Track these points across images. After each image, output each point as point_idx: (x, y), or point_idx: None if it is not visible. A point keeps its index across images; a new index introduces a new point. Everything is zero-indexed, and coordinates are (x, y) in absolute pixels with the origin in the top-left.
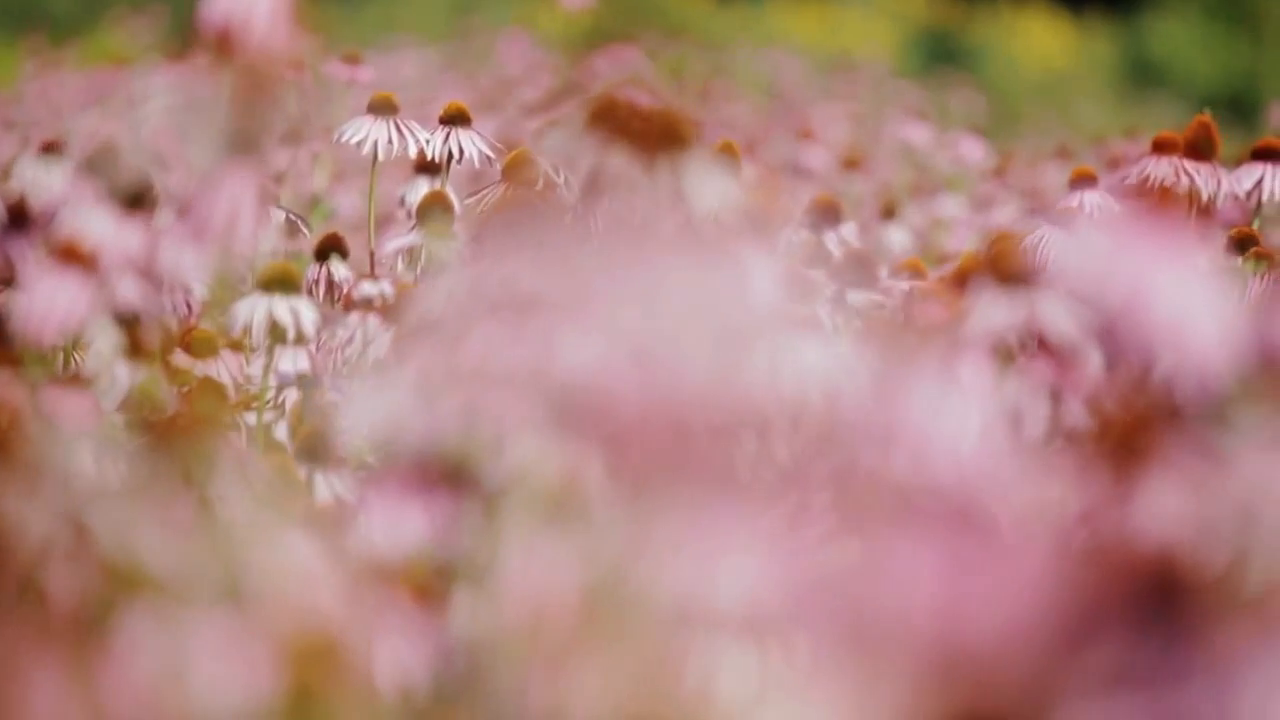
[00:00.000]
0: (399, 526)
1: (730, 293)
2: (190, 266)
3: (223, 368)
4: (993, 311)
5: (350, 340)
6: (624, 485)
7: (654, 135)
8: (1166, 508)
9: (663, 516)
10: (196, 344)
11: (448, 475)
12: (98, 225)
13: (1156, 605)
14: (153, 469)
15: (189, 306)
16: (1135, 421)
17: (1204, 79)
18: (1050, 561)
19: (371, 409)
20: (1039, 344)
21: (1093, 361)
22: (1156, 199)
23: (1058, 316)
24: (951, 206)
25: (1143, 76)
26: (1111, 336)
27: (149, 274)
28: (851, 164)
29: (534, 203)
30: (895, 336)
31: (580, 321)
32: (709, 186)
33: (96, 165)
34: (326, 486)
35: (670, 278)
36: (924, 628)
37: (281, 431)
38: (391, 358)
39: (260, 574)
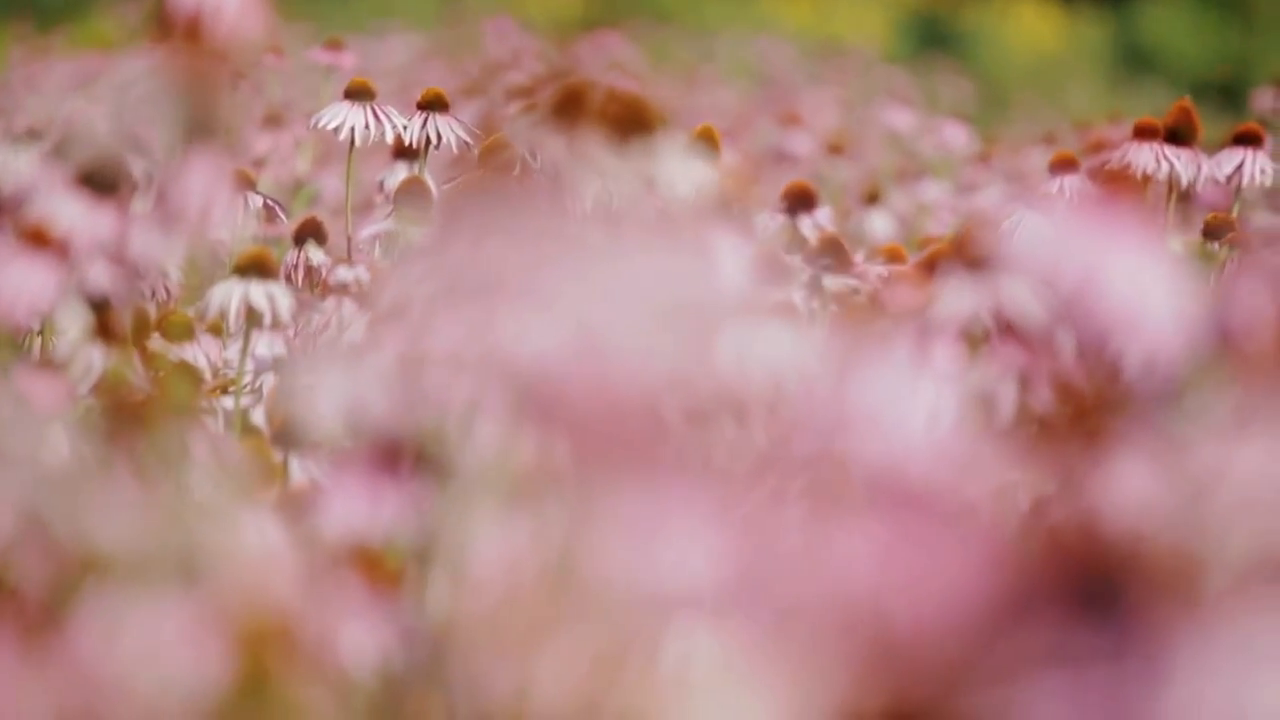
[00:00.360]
0: (362, 510)
1: (693, 278)
2: (161, 252)
3: (199, 352)
4: (958, 296)
5: (326, 325)
6: (579, 469)
7: (622, 120)
8: (1117, 491)
9: (614, 501)
10: (171, 328)
11: (410, 459)
12: (68, 210)
13: (1104, 588)
14: (110, 452)
15: (167, 291)
16: (1088, 406)
17: (1195, 64)
18: (994, 545)
19: (334, 392)
20: (1006, 329)
21: (1058, 346)
22: (1116, 184)
23: (1022, 301)
24: (935, 191)
25: (1134, 62)
26: (1068, 322)
27: (120, 259)
28: (836, 149)
29: (498, 187)
30: (859, 321)
31: (539, 306)
32: (678, 171)
33: (68, 149)
34: (302, 470)
35: (634, 262)
36: (859, 612)
37: (259, 416)
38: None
39: (215, 556)
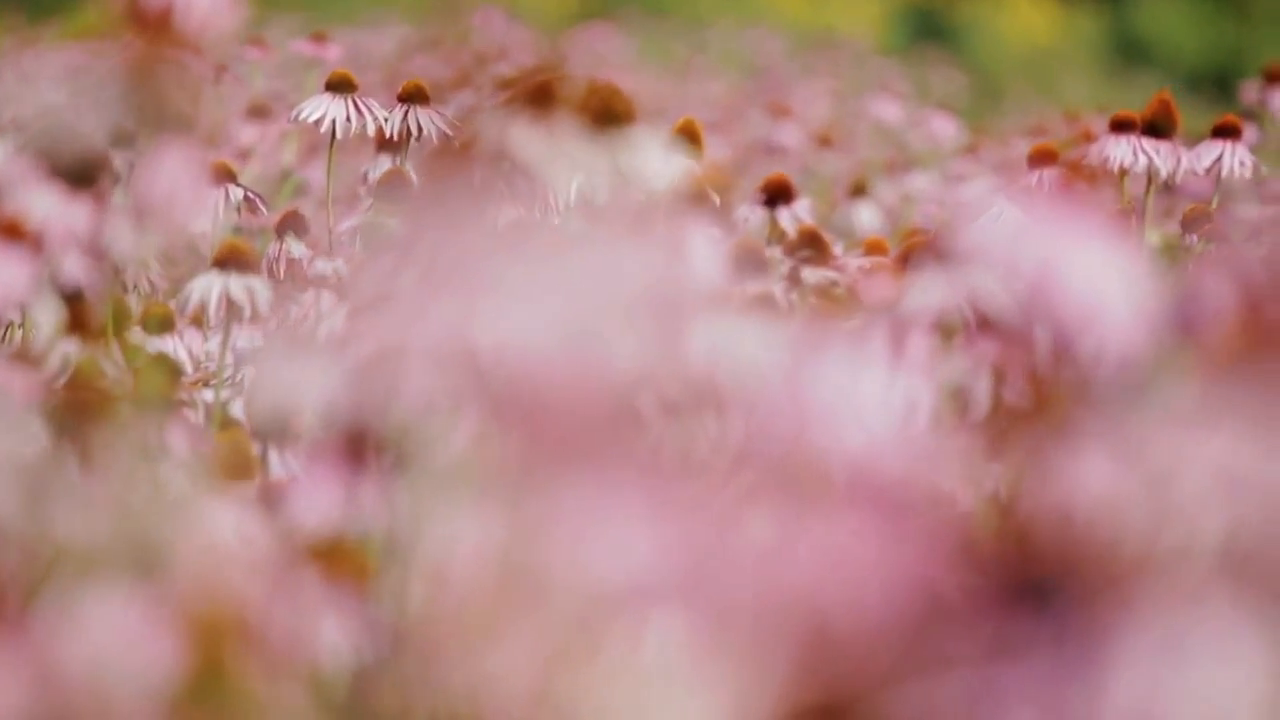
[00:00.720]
0: (330, 502)
1: (662, 270)
2: (134, 244)
3: (179, 345)
4: (927, 289)
5: (305, 317)
6: (534, 461)
7: (597, 111)
8: (1074, 483)
9: (564, 493)
10: (151, 321)
11: (376, 451)
12: (42, 202)
13: (1055, 581)
14: (69, 444)
15: (151, 284)
16: (1048, 398)
17: (1190, 57)
18: (943, 539)
19: (302, 385)
20: (975, 321)
21: (1022, 339)
22: (1079, 176)
23: (986, 294)
24: (922, 182)
25: (1129, 54)
26: (1029, 315)
27: (94, 251)
28: (826, 141)
29: (464, 179)
30: (830, 313)
31: (504, 299)
32: (653, 163)
33: (42, 141)
34: (281, 463)
35: (602, 255)
36: (798, 606)
37: (239, 409)
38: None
39: (173, 549)
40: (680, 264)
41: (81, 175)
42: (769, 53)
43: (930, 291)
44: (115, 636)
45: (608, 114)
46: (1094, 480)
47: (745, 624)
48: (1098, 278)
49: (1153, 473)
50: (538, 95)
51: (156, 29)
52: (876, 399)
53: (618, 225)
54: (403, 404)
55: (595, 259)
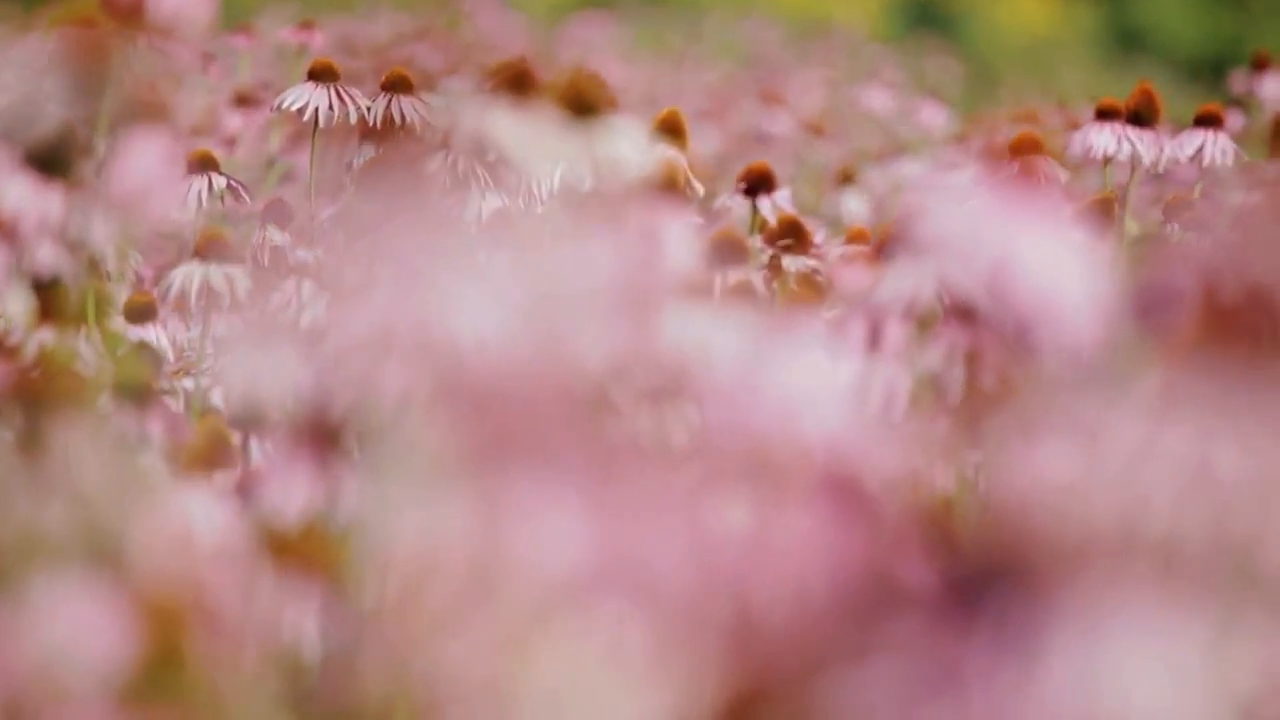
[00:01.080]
0: (295, 490)
1: (619, 260)
2: (107, 233)
3: (160, 333)
4: (899, 278)
5: (285, 306)
6: (483, 452)
7: (572, 100)
8: (1024, 472)
9: (503, 483)
10: (133, 309)
11: (338, 440)
12: (15, 190)
13: (1003, 570)
14: (36, 431)
15: (137, 275)
16: (1006, 387)
17: (1189, 46)
18: (886, 528)
19: (267, 373)
20: (948, 311)
21: (983, 329)
22: (1026, 167)
23: (948, 284)
24: (913, 170)
25: (1128, 43)
26: (987, 305)
27: (68, 239)
28: (817, 130)
29: (411, 168)
30: (794, 303)
31: (454, 289)
32: (624, 151)
33: (13, 128)
34: (260, 451)
35: (567, 244)
36: (725, 596)
37: (218, 397)
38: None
39: (130, 536)
40: (645, 253)
41: (54, 163)
42: (765, 42)
43: (902, 281)
44: (70, 624)
45: (584, 102)
46: (1045, 468)
47: (679, 613)
48: (1052, 268)
49: (1104, 461)
50: (516, 83)
51: (130, 17)
52: (832, 388)
53: (586, 213)
54: (363, 394)
55: (558, 248)
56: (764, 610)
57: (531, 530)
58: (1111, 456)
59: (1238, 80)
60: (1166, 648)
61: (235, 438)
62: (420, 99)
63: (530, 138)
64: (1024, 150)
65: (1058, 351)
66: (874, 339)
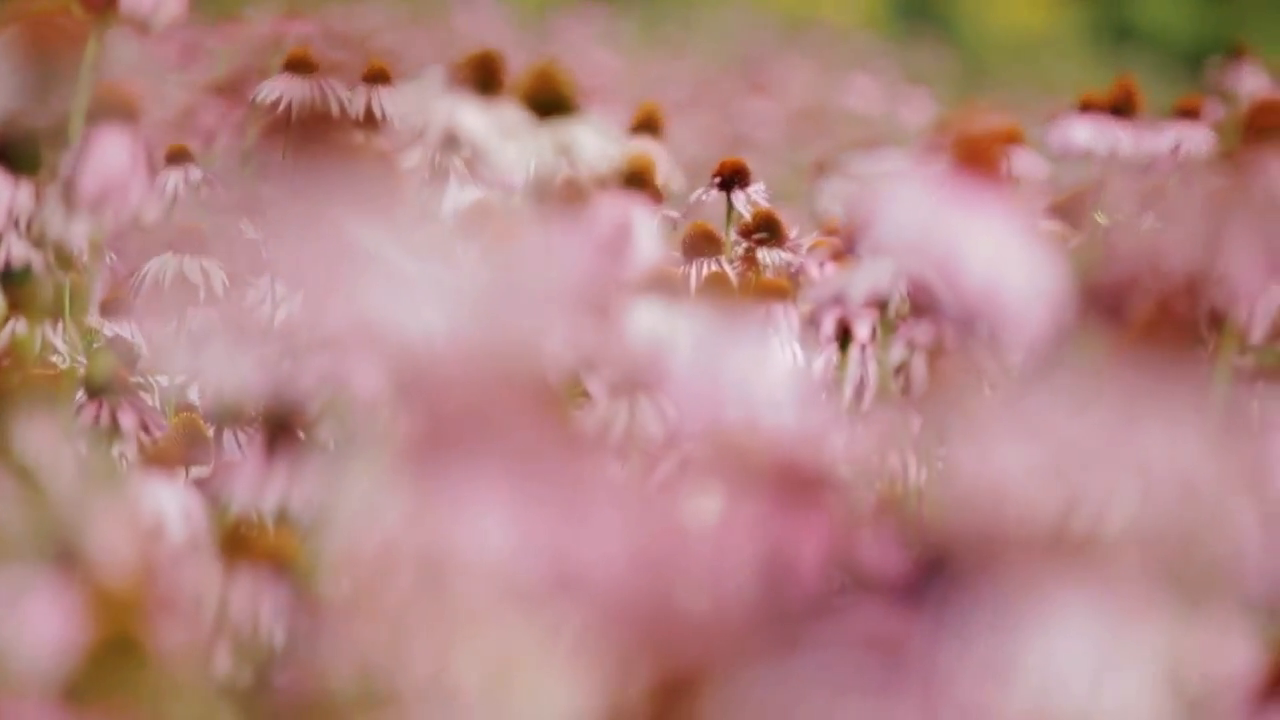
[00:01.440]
0: (258, 483)
1: (573, 253)
2: (77, 227)
3: (135, 327)
4: (864, 272)
5: (260, 299)
6: (423, 445)
7: (539, 93)
8: (969, 464)
9: (445, 478)
10: (108, 303)
11: (296, 434)
12: None
13: (945, 561)
14: None
15: (112, 268)
16: (955, 380)
17: (1183, 41)
18: (828, 519)
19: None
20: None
21: (936, 322)
22: (987, 158)
23: (910, 278)
24: (892, 163)
25: (1120, 38)
26: (937, 298)
27: (36, 233)
28: (802, 123)
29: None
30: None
31: (397, 281)
32: (590, 144)
33: None
34: (235, 444)
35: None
36: (650, 588)
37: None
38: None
39: (87, 530)
40: (607, 246)
41: (23, 156)
42: (755, 35)
43: (864, 275)
44: (21, 616)
45: (550, 97)
46: (988, 460)
47: (609, 604)
48: (999, 261)
49: (1048, 453)
50: (483, 77)
51: (102, 9)
52: (790, 380)
53: (548, 207)
54: (314, 387)
55: (517, 241)
56: (693, 601)
57: (464, 524)
58: (1052, 449)
59: (1215, 72)
60: (1096, 634)
61: (210, 432)
62: (384, 91)
63: (495, 131)
64: (997, 142)
65: (1005, 345)
66: (840, 332)
